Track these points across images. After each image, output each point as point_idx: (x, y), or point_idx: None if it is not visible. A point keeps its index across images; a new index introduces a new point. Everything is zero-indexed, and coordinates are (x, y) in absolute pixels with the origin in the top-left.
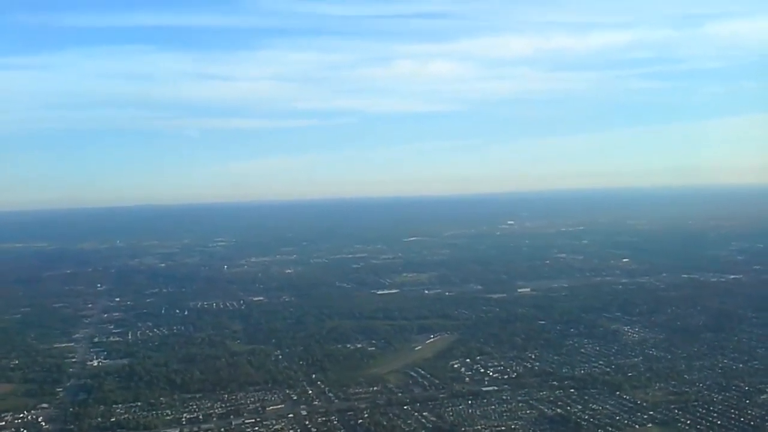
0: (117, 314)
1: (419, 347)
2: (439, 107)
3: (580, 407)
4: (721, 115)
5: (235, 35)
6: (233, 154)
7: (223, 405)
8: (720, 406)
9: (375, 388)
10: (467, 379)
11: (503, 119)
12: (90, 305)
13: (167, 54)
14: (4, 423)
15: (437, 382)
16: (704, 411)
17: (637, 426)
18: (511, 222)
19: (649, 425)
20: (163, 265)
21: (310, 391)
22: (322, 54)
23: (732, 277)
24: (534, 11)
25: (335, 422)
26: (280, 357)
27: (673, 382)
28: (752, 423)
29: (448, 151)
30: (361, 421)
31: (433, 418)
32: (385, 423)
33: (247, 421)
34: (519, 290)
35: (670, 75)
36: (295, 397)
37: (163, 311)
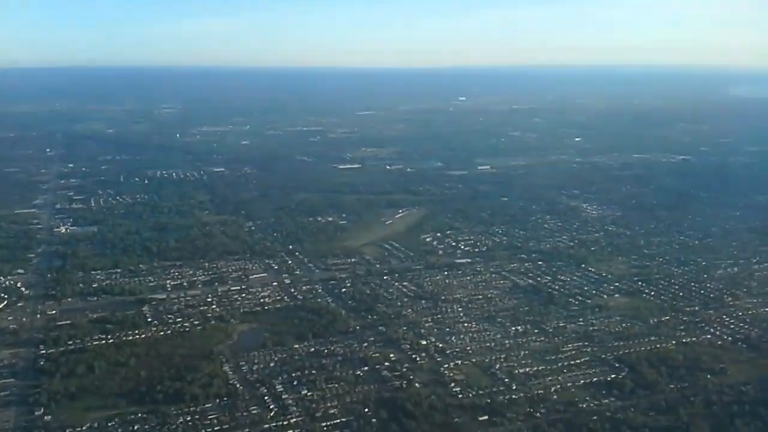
0: (74, 181)
1: (389, 221)
2: None
3: (549, 278)
4: None
5: None
6: (167, 13)
7: (206, 273)
8: (681, 279)
9: (353, 260)
10: (440, 252)
11: None
12: (43, 171)
13: None
14: None
15: (412, 254)
16: (666, 284)
17: (605, 296)
18: (463, 98)
19: (616, 296)
20: (110, 131)
21: (290, 262)
22: None
23: (681, 158)
24: None
25: (320, 290)
26: (253, 228)
27: (634, 257)
28: (711, 296)
29: (397, 19)
30: (344, 290)
31: (413, 288)
32: (368, 292)
33: (232, 288)
34: (479, 167)
35: None
36: (275, 267)
37: (121, 179)
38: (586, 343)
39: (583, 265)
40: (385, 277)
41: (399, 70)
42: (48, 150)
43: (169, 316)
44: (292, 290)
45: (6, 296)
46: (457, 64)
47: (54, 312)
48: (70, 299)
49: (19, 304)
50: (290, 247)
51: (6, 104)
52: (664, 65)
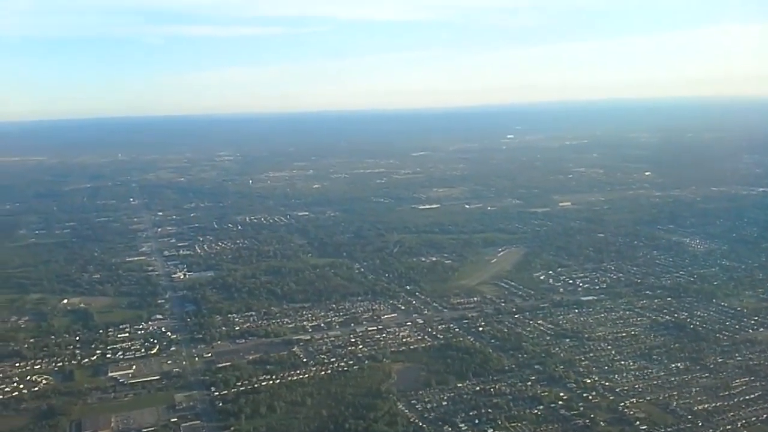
0: (170, 228)
1: (494, 260)
2: (419, 15)
3: (686, 314)
4: (702, 25)
5: None
6: (202, 63)
7: (337, 314)
8: None
9: (476, 299)
10: (561, 289)
11: (486, 28)
12: (136, 219)
13: None
14: (126, 334)
15: (532, 292)
16: None
17: (750, 330)
18: (511, 136)
19: (761, 329)
20: (182, 179)
21: (414, 302)
22: None
23: (761, 189)
24: None
25: (457, 329)
26: (363, 270)
27: (760, 290)
28: None
29: (424, 61)
30: (481, 328)
31: (551, 326)
32: (506, 330)
33: (369, 328)
34: (560, 204)
35: None
36: (402, 307)
37: (215, 225)
38: (753, 378)
39: (713, 300)
40: (516, 316)
41: (434, 110)
42: (131, 199)
43: (322, 356)
44: (429, 329)
45: (155, 341)
46: (487, 103)
47: (209, 355)
48: (219, 342)
49: (172, 349)
50: (408, 287)
51: (70, 155)
52: (691, 97)
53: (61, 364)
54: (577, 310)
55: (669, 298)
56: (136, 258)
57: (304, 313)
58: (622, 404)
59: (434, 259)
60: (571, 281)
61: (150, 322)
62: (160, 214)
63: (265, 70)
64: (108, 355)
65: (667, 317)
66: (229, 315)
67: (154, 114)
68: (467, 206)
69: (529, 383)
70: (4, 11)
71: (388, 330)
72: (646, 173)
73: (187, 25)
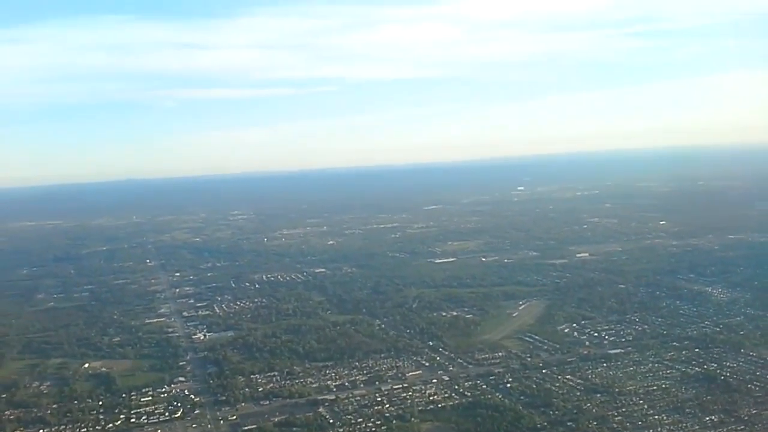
0: (188, 289)
1: (515, 313)
2: (426, 72)
3: (715, 365)
4: (705, 73)
5: (214, 2)
6: (214, 125)
7: (360, 372)
8: None
9: (500, 354)
10: (586, 342)
11: (490, 83)
12: (153, 281)
13: (146, 23)
14: (150, 397)
15: (558, 346)
16: None
17: None
18: (522, 188)
19: None
20: (198, 239)
21: (438, 358)
22: (304, 20)
23: None
24: None
25: (484, 386)
26: (383, 326)
27: None
28: None
29: (432, 116)
30: (509, 384)
31: (580, 380)
32: (534, 386)
33: (395, 387)
34: (577, 255)
35: (656, 34)
36: (426, 364)
37: (232, 284)
38: None
39: (742, 350)
40: (544, 371)
41: (444, 164)
42: (148, 261)
43: (349, 416)
44: (456, 387)
45: (179, 404)
46: (496, 156)
47: (234, 417)
48: (243, 404)
49: (196, 412)
50: (430, 343)
51: (83, 218)
52: (709, 144)
53: (85, 429)
54: (605, 364)
55: (697, 350)
56: (155, 320)
57: (327, 372)
58: None
59: (455, 313)
60: (596, 334)
61: (173, 385)
62: (177, 274)
63: (276, 130)
64: (132, 420)
65: (696, 369)
66: (252, 375)
67: (168, 175)
68: (484, 259)
69: None
70: (21, 79)
71: (414, 388)
72: (661, 222)
73: (200, 88)
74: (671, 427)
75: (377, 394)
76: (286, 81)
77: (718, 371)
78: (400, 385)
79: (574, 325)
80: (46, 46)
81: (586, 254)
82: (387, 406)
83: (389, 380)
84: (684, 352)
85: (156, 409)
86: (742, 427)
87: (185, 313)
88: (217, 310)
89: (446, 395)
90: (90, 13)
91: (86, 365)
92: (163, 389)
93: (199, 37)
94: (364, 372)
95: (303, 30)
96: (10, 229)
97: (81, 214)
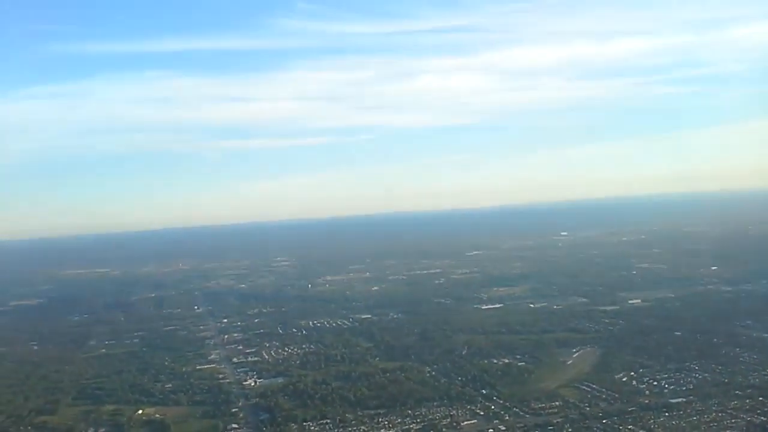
0: (236, 335)
1: (570, 361)
2: (463, 120)
3: None
4: (744, 119)
5: (256, 57)
6: (254, 174)
7: (415, 421)
8: None
9: (557, 403)
10: (646, 392)
11: (527, 129)
12: (202, 327)
13: (190, 78)
14: None
15: (617, 395)
16: None
17: None
18: (565, 233)
19: None
20: (243, 285)
21: (493, 407)
22: (343, 72)
23: None
24: (555, 21)
25: None
26: (434, 373)
27: None
28: None
29: (471, 163)
30: None
31: (642, 431)
32: None
33: None
34: (629, 301)
35: (693, 80)
36: (481, 413)
37: (280, 330)
38: None
39: None
40: (604, 421)
41: (482, 210)
42: (196, 307)
43: None
44: None
45: None
46: (535, 201)
47: None
48: None
49: None
50: (483, 391)
51: (132, 266)
52: (755, 188)
53: None
54: (667, 414)
55: (761, 398)
56: (206, 366)
57: (380, 420)
58: None
59: (507, 360)
60: (655, 382)
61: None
62: (225, 321)
63: (315, 178)
64: None
65: (762, 418)
66: (305, 423)
67: (211, 223)
68: (532, 305)
69: None
70: (70, 132)
71: None
72: (713, 268)
73: (241, 139)
74: None
75: None
76: (324, 130)
77: None
78: None
79: (632, 373)
80: (93, 100)
81: (638, 300)
82: None
83: (444, 429)
84: (748, 401)
85: None
86: None
87: (235, 359)
88: (266, 356)
89: None
90: (136, 70)
91: (140, 411)
92: None
93: (240, 90)
94: (418, 420)
95: (340, 81)
96: (61, 277)
97: (128, 262)
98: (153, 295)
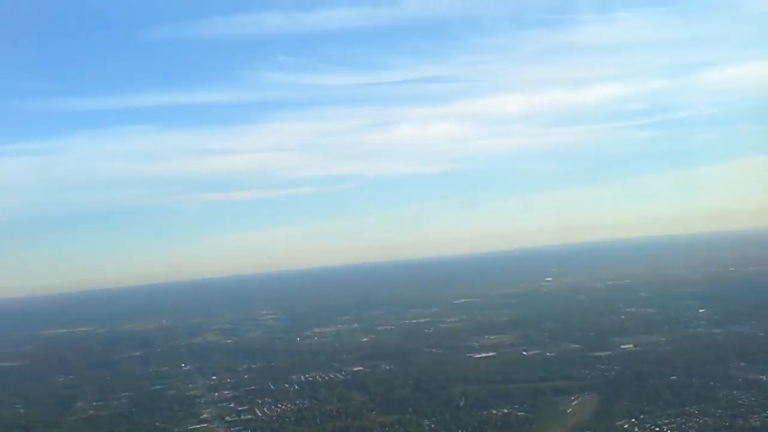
0: (227, 392)
1: (569, 410)
2: (441, 167)
3: None
4: (719, 161)
5: (236, 110)
6: (236, 226)
7: None
8: None
9: None
10: None
11: (504, 175)
12: (191, 385)
13: (170, 132)
14: None
15: None
16: None
17: None
18: (550, 279)
19: None
20: (229, 341)
21: None
22: (323, 123)
23: None
24: (528, 70)
25: None
26: (433, 426)
27: None
28: None
29: (450, 210)
30: None
31: None
32: None
33: None
34: (621, 346)
35: (666, 124)
36: None
37: (271, 386)
38: None
39: None
40: None
41: (465, 257)
42: (183, 365)
43: None
44: None
45: None
46: (516, 247)
47: None
48: None
49: None
50: None
51: (115, 324)
52: (720, 231)
53: None
54: None
55: None
56: (198, 426)
57: None
58: None
59: (505, 410)
60: (657, 428)
61: None
62: (214, 378)
63: (297, 229)
64: None
65: None
66: None
67: (194, 278)
68: (524, 353)
69: None
70: (49, 188)
71: None
72: (700, 310)
73: (222, 191)
74: None
75: None
76: (306, 180)
77: None
78: None
79: (633, 420)
80: (73, 157)
81: (630, 345)
82: None
83: None
84: None
85: None
86: None
87: (228, 418)
88: (260, 414)
89: None
90: (115, 126)
91: None
92: None
93: (220, 143)
94: None
95: (320, 132)
96: (43, 337)
97: (111, 319)
98: (138, 353)
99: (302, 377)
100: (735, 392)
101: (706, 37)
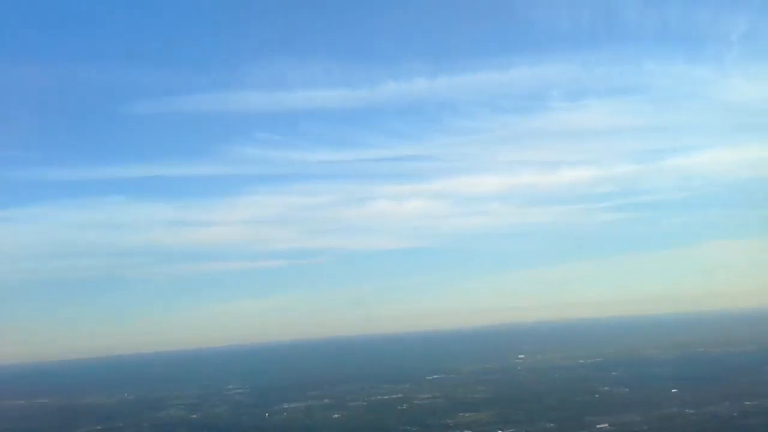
0: None
1: None
2: (415, 243)
3: None
4: (686, 244)
5: (212, 183)
6: (206, 298)
7: None
8: None
9: None
10: None
11: (476, 253)
12: None
13: (144, 203)
14: None
15: None
16: None
17: None
18: (522, 356)
19: None
20: (194, 416)
21: None
22: (298, 197)
23: None
24: (502, 152)
25: None
26: None
27: None
28: None
29: (424, 285)
30: None
31: None
32: None
33: None
34: (597, 426)
35: (636, 206)
36: None
37: None
38: None
39: None
40: None
41: (433, 332)
42: None
43: None
44: None
45: None
46: (487, 323)
47: None
48: None
49: None
50: None
51: (73, 396)
52: (687, 312)
53: None
54: None
55: None
56: None
57: None
58: None
59: None
60: None
61: None
62: None
63: (270, 301)
64: None
65: None
66: None
67: (160, 350)
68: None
69: None
70: (12, 256)
71: None
72: (673, 390)
73: (194, 263)
74: None
75: None
76: (281, 253)
77: None
78: None
79: None
80: (40, 225)
81: (606, 425)
82: None
83: None
84: None
85: None
86: None
87: None
88: None
89: None
90: (85, 196)
91: None
92: None
93: (194, 215)
94: None
95: (297, 205)
96: None
97: (69, 391)
98: (99, 427)
99: None
100: None
101: (672, 125)
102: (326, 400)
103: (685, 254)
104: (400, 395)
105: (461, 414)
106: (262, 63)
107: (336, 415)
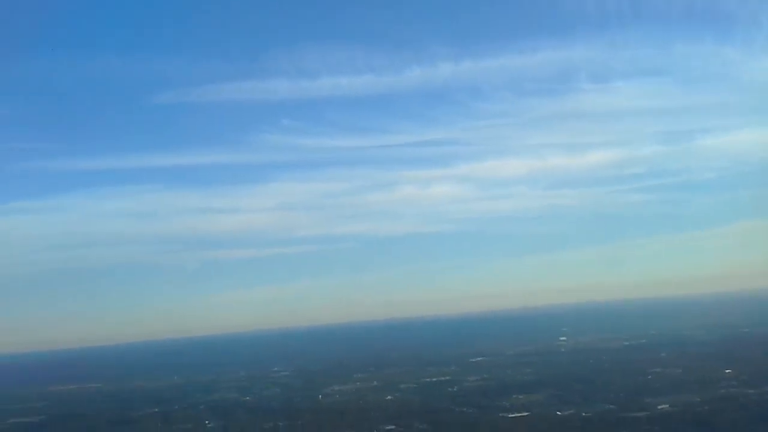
0: None
1: None
2: (441, 228)
3: None
4: (717, 225)
5: (240, 171)
6: (236, 284)
7: None
8: None
9: None
10: None
11: (504, 236)
12: None
13: (174, 192)
14: None
15: None
16: None
17: None
18: (564, 338)
19: None
20: (248, 398)
21: None
22: (325, 183)
23: None
24: (531, 135)
25: None
26: None
27: None
28: None
29: (451, 270)
30: None
31: None
32: None
33: None
34: (658, 407)
35: (664, 188)
36: None
37: None
38: None
39: None
40: None
41: (463, 315)
42: (207, 422)
43: None
44: None
45: None
46: (522, 306)
47: None
48: None
49: None
50: None
51: (123, 381)
52: (726, 292)
53: None
54: None
55: None
56: None
57: None
58: None
59: None
60: None
61: None
62: None
63: (298, 286)
64: None
65: None
66: None
67: (198, 335)
68: (559, 413)
69: None
70: (49, 245)
71: None
72: (727, 371)
73: (223, 249)
74: None
75: None
76: (308, 239)
77: None
78: None
79: None
80: (73, 214)
81: (666, 406)
82: None
83: None
84: None
85: None
86: None
87: None
88: None
89: None
90: (117, 185)
91: None
92: None
93: (224, 202)
94: None
95: (322, 192)
96: (53, 393)
97: (118, 376)
98: (156, 410)
99: None
100: None
101: (701, 106)
102: (375, 383)
103: (716, 234)
104: (448, 377)
105: (515, 395)
106: (286, 51)
107: (389, 397)
